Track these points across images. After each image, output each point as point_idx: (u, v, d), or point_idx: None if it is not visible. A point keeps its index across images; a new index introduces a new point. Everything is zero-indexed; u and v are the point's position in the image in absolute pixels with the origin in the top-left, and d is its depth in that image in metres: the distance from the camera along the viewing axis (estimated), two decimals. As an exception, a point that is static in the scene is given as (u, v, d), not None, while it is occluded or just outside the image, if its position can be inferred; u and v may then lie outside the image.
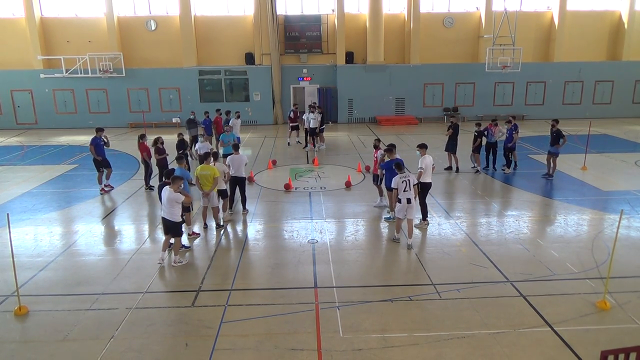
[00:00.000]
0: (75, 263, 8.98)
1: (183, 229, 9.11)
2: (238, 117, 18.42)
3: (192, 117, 18.04)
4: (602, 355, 5.11)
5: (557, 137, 13.98)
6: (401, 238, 9.70)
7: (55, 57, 25.30)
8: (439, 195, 12.95)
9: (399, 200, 9.32)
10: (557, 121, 14.35)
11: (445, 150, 15.51)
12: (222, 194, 10.77)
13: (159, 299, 7.59)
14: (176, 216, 8.61)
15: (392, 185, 9.51)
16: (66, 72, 24.99)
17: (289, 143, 20.60)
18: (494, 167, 15.32)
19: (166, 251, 8.89)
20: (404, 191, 9.22)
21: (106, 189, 13.57)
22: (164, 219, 8.66)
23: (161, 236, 9.93)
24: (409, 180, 9.25)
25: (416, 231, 10.27)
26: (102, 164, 13.45)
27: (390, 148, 10.47)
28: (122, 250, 9.62)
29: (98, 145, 13.41)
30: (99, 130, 13.78)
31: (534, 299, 7.32)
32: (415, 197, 9.42)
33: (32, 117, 26.06)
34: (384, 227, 10.61)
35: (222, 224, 10.64)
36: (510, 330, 6.52)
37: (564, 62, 26.98)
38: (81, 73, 25.05)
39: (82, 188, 14.06)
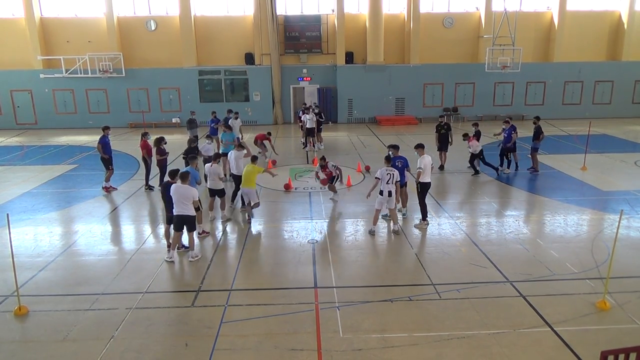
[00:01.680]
0: (75, 263, 8.98)
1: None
2: (236, 117, 18.22)
3: (192, 117, 17.99)
4: (602, 356, 5.11)
5: (536, 133, 14.85)
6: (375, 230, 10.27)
7: (55, 57, 25.29)
8: (439, 195, 12.96)
9: (381, 192, 9.84)
10: (538, 118, 15.33)
11: (438, 150, 15.63)
12: (218, 193, 10.90)
13: (158, 299, 7.59)
14: (192, 210, 8.69)
15: (376, 176, 9.95)
16: (66, 72, 24.99)
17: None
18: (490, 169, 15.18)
19: (176, 249, 8.95)
20: (387, 183, 9.73)
21: (109, 188, 13.55)
22: (178, 216, 8.64)
23: (162, 235, 9.94)
24: (393, 174, 9.79)
25: (415, 231, 10.32)
26: (110, 162, 13.46)
27: (396, 147, 11.09)
28: (122, 251, 9.62)
29: (106, 144, 13.45)
30: (106, 128, 13.78)
31: (534, 299, 7.32)
32: (398, 193, 10.18)
33: (31, 117, 26.06)
34: (383, 227, 10.62)
35: (251, 216, 10.98)
36: (510, 330, 6.53)
37: (563, 62, 26.98)
38: (81, 73, 25.05)
39: (82, 188, 14.06)
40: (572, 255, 8.94)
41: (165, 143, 13.17)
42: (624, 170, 15.41)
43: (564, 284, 7.84)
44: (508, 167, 15.26)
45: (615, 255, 7.51)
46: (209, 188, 10.91)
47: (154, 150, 13.13)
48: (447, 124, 15.64)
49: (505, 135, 14.98)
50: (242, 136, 18.22)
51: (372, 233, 10.12)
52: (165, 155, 13.09)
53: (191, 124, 17.79)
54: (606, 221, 10.83)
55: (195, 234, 9.13)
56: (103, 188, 13.52)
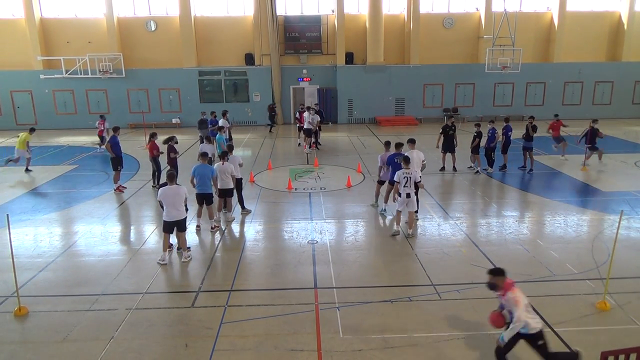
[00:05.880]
0: (75, 264, 8.98)
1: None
2: (224, 116, 17.96)
3: (203, 117, 17.96)
4: (602, 356, 5.11)
5: (533, 131, 15.10)
6: (400, 231, 10.08)
7: (55, 57, 25.30)
8: (439, 195, 12.96)
9: (399, 194, 9.75)
10: (533, 118, 15.69)
11: (443, 152, 15.52)
12: (228, 193, 10.86)
13: (158, 300, 7.59)
14: (184, 212, 8.85)
15: (395, 179, 9.87)
16: (66, 72, 25.00)
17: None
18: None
19: (167, 250, 8.99)
20: (404, 186, 9.67)
21: (120, 187, 13.58)
22: (171, 222, 8.67)
23: (160, 238, 9.95)
24: (410, 177, 9.66)
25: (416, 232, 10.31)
26: (119, 162, 13.50)
27: (394, 144, 11.03)
28: (122, 251, 9.62)
29: (116, 144, 13.51)
30: (116, 129, 13.86)
31: (534, 300, 7.28)
32: (416, 193, 10.00)
33: (32, 117, 26.04)
34: (384, 228, 10.61)
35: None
36: (510, 331, 6.51)
37: (563, 62, 27.00)
38: (81, 74, 25.07)
39: (82, 189, 14.06)
40: (572, 255, 8.93)
41: (177, 142, 13.29)
42: (624, 171, 15.41)
43: (564, 285, 7.83)
44: (491, 167, 15.30)
45: (615, 256, 7.49)
46: (219, 188, 10.66)
47: (166, 149, 13.09)
48: (455, 126, 15.56)
49: (489, 135, 15.01)
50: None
51: (396, 234, 9.93)
52: (176, 155, 13.15)
53: (201, 124, 17.75)
54: (606, 222, 10.82)
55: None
56: (115, 190, 13.50)
